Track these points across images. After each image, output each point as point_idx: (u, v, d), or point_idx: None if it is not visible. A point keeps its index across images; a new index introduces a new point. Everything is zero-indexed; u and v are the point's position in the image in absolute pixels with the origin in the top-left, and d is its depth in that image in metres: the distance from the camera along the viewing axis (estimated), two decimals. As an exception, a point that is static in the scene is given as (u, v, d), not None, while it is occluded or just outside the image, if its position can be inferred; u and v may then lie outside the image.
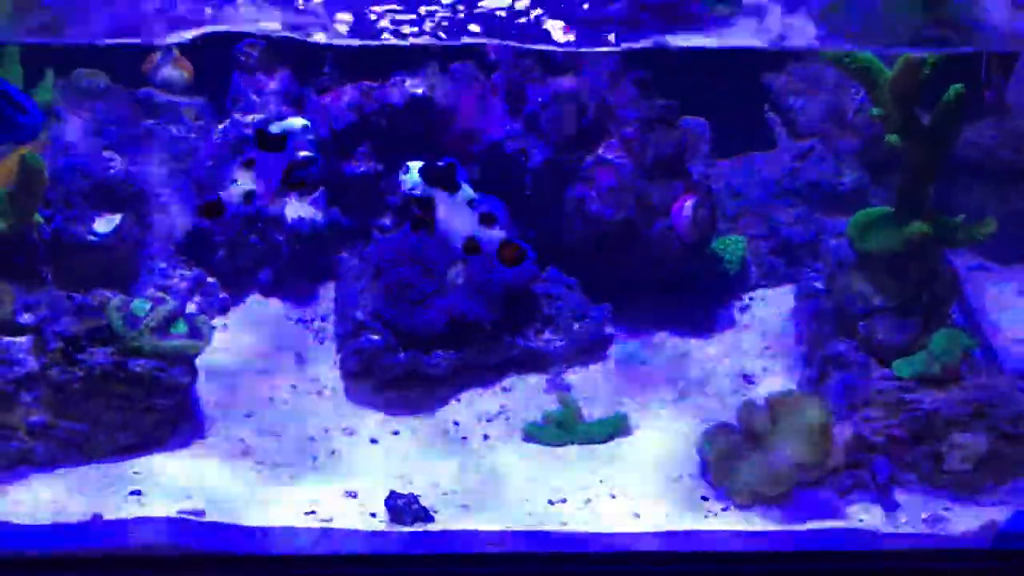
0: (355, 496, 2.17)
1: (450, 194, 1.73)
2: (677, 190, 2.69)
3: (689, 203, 2.67)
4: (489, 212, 1.73)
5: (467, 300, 2.52)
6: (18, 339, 2.21)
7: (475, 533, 2.04)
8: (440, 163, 1.74)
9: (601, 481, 2.25)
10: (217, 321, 2.68)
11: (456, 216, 1.73)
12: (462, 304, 2.52)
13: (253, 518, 2.06)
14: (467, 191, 1.74)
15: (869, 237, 2.37)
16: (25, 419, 2.17)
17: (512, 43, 2.10)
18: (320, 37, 2.12)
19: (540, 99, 2.71)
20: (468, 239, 1.73)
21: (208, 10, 2.04)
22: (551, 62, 2.74)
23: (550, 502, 2.17)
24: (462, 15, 1.95)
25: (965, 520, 2.10)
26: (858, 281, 2.41)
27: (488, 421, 2.47)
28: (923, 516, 2.12)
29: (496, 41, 2.09)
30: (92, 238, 2.56)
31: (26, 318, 2.23)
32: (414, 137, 2.83)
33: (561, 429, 2.41)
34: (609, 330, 2.69)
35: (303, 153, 1.78)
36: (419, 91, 2.75)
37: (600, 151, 2.70)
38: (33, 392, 2.19)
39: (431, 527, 2.06)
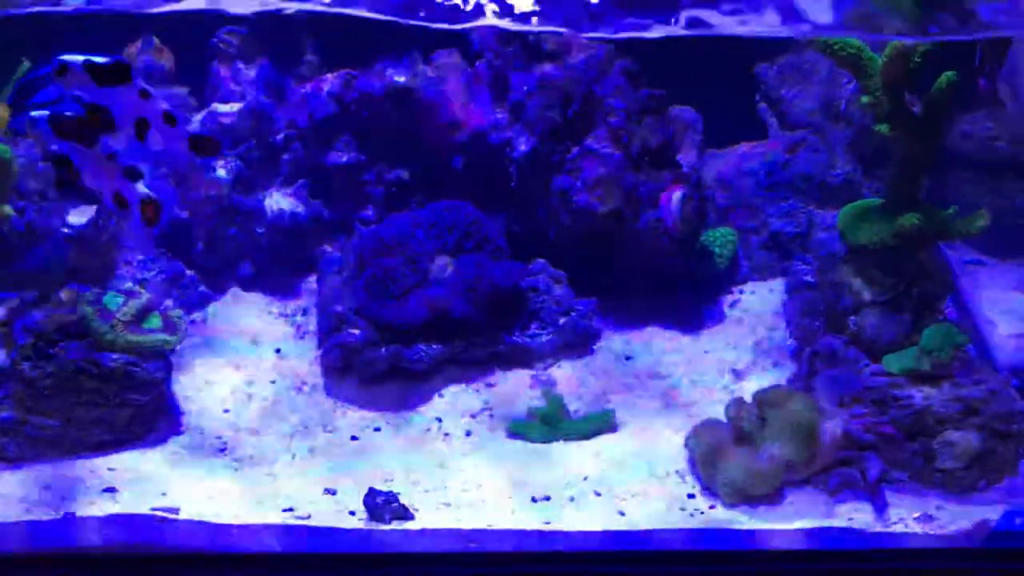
0: (334, 493, 2.15)
1: (87, 147, 1.65)
2: (665, 181, 2.66)
3: (677, 195, 2.64)
4: (133, 166, 1.67)
5: (453, 297, 2.49)
6: (-13, 334, 2.20)
7: (456, 532, 2.02)
8: (69, 112, 1.64)
9: (586, 478, 2.23)
10: (196, 315, 2.66)
11: (98, 171, 1.67)
12: (447, 300, 2.49)
13: (229, 515, 2.04)
14: (108, 144, 1.66)
15: (860, 230, 2.35)
16: (-5, 415, 2.15)
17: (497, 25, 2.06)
18: None
19: (525, 87, 2.68)
20: (115, 194, 1.68)
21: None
22: (537, 49, 2.72)
23: (533, 499, 2.15)
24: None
25: (957, 519, 2.08)
26: (848, 275, 2.39)
27: (471, 417, 2.45)
28: (914, 515, 2.09)
29: (481, 24, 2.06)
30: (66, 230, 2.53)
31: (-4, 312, 2.21)
32: (397, 127, 2.80)
33: (546, 425, 2.39)
34: (596, 325, 2.66)
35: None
36: (401, 80, 2.74)
37: (587, 141, 2.66)
38: (3, 388, 2.17)
39: (410, 525, 2.05)
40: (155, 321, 2.27)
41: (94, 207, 2.59)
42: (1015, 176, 2.87)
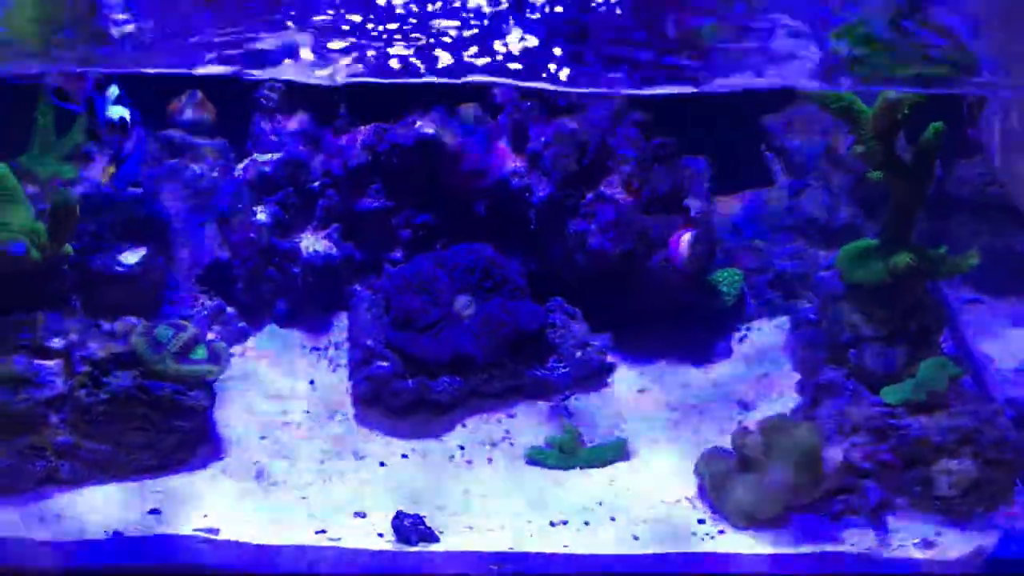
0: (364, 516, 2.23)
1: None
2: (675, 225, 2.76)
3: (686, 237, 2.74)
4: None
5: (476, 343, 2.57)
6: (48, 363, 2.29)
7: (478, 554, 2.09)
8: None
9: (601, 504, 2.30)
10: (235, 349, 2.76)
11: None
12: (471, 347, 2.57)
13: (266, 537, 2.13)
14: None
15: (857, 269, 2.43)
16: (52, 439, 2.25)
17: (516, 82, 2.19)
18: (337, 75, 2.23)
19: (543, 139, 2.80)
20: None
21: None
22: (554, 103, 2.84)
23: (551, 524, 2.23)
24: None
25: (956, 545, 2.13)
26: (848, 311, 2.46)
27: (493, 446, 2.53)
28: (914, 541, 2.14)
29: (502, 80, 2.19)
30: (119, 269, 2.65)
31: (56, 343, 2.31)
32: (424, 175, 2.91)
33: (563, 454, 2.46)
34: (610, 359, 2.75)
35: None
36: (429, 131, 2.84)
37: (601, 187, 2.77)
38: (61, 413, 2.26)
39: (436, 547, 2.12)
40: (201, 352, 2.38)
41: (143, 249, 2.75)
42: (1010, 219, 2.95)
